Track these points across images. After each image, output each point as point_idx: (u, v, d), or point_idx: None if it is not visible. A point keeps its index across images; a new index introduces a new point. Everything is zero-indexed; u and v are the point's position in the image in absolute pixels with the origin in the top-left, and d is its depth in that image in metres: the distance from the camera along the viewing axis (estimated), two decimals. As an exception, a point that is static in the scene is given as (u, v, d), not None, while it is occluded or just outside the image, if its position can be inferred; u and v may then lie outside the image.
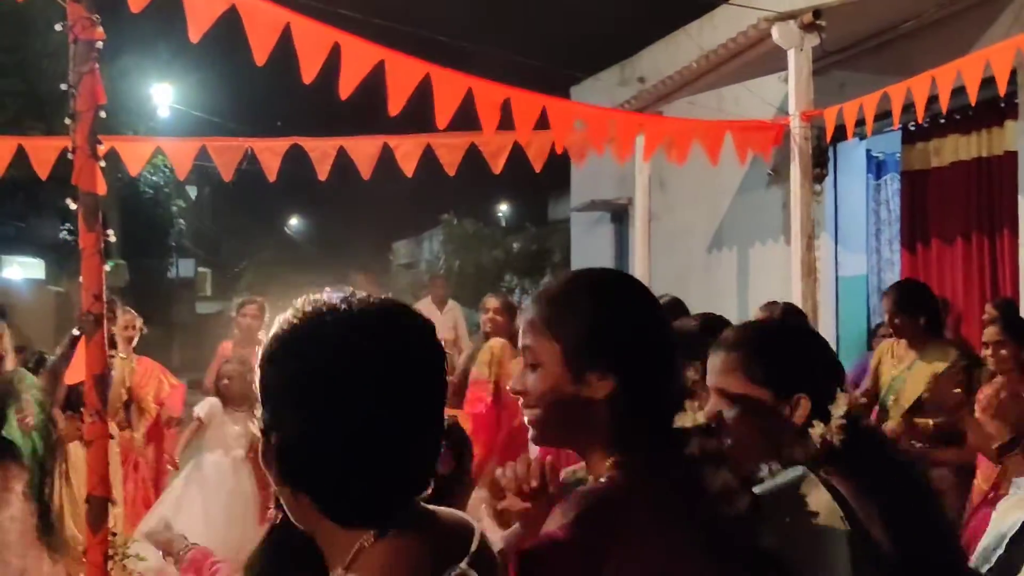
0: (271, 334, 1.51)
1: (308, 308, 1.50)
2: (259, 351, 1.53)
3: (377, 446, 1.43)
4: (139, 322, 8.50)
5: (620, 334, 1.89)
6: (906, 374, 6.45)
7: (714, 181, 12.16)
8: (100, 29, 4.79)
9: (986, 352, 5.93)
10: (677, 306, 6.74)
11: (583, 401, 1.87)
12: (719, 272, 13.33)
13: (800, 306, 8.47)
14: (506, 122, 6.79)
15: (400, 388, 1.45)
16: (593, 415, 1.88)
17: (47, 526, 6.71)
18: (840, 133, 8.70)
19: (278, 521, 1.64)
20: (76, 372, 5.18)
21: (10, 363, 6.91)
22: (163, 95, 21.87)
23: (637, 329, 1.91)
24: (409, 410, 1.46)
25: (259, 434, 1.49)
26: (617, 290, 2.00)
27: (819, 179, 9.98)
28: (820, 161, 9.83)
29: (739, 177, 11.89)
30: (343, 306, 1.49)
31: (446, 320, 12.99)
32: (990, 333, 5.91)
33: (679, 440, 1.90)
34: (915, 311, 6.45)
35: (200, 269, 40.11)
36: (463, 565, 1.44)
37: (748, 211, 12.56)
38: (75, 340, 7.30)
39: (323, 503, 1.46)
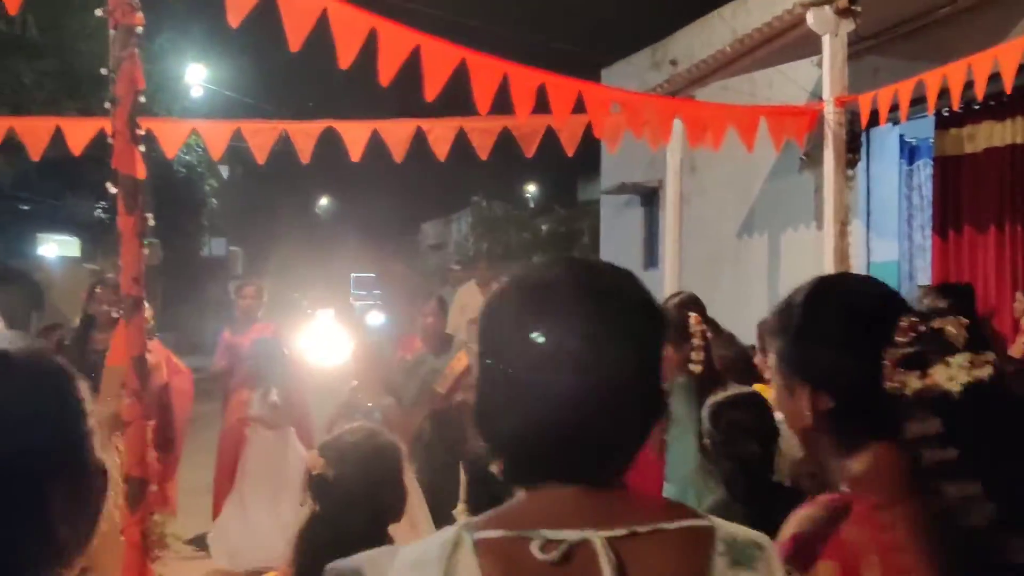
0: None
1: None
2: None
3: None
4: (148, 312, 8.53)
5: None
6: None
7: (745, 165, 12.13)
8: (140, 15, 4.85)
9: (1021, 339, 5.93)
10: (693, 302, 6.80)
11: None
12: (749, 257, 13.31)
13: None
14: (538, 105, 6.80)
15: None
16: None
17: None
18: (874, 118, 8.66)
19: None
20: (116, 354, 5.27)
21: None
22: (197, 75, 21.99)
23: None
24: None
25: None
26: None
27: (852, 164, 9.94)
28: (853, 146, 9.78)
29: (771, 161, 11.86)
30: None
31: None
32: None
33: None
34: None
35: (232, 248, 40.32)
36: None
37: (779, 196, 12.52)
38: (87, 321, 7.35)
39: None
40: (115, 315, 6.99)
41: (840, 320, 1.92)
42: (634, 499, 1.42)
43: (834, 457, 1.88)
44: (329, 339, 9.09)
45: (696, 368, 5.57)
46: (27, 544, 1.20)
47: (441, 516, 7.90)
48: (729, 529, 1.41)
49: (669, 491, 5.32)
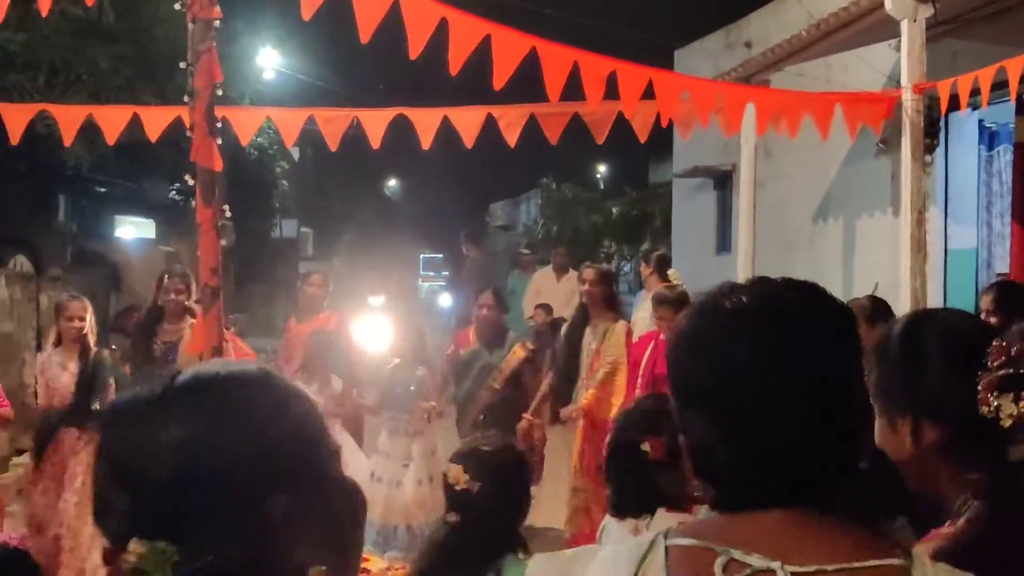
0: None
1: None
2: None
3: None
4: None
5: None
6: None
7: (821, 150, 11.95)
8: (217, 8, 4.90)
9: None
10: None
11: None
12: (824, 243, 13.15)
13: (908, 281, 8.35)
14: (609, 90, 6.78)
15: None
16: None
17: None
18: (953, 103, 8.49)
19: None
20: (195, 343, 5.35)
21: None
22: (269, 59, 22.19)
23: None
24: None
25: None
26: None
27: (929, 150, 9.75)
28: (931, 132, 9.59)
29: (846, 146, 11.67)
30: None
31: (563, 289, 12.98)
32: None
33: None
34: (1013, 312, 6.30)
35: (302, 229, 40.65)
36: None
37: (855, 181, 12.34)
38: (126, 311, 7.43)
39: None
40: (186, 304, 7.08)
41: (941, 349, 1.91)
42: (839, 530, 1.40)
43: (951, 486, 1.88)
44: (378, 327, 9.03)
45: None
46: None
47: None
48: (928, 571, 1.38)
49: None
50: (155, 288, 7.59)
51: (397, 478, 7.30)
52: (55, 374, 6.66)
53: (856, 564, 1.35)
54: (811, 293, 1.49)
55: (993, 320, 6.29)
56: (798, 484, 1.40)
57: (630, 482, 3.32)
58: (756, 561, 1.35)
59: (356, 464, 7.28)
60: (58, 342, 6.81)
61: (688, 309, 1.54)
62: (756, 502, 1.41)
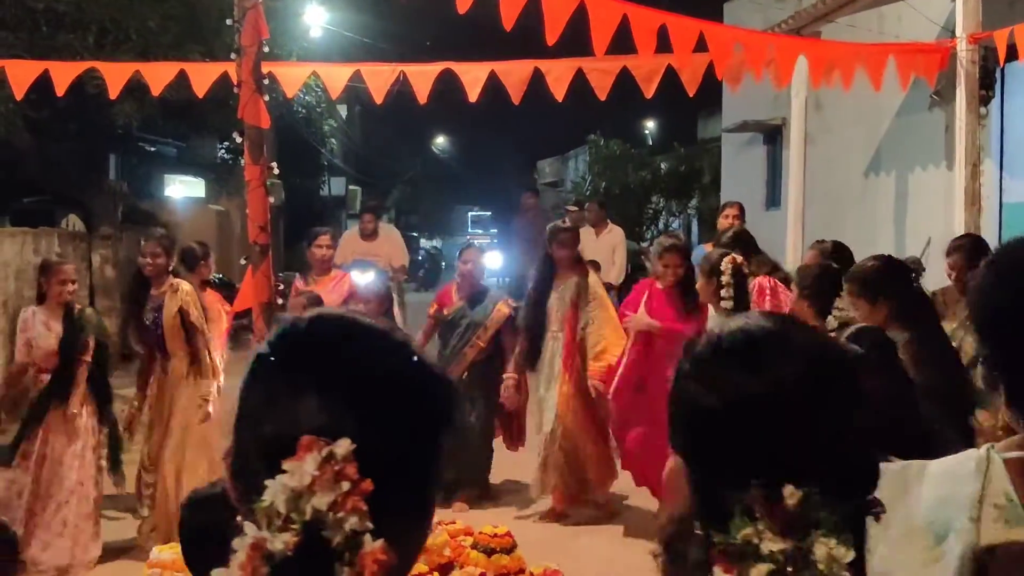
0: None
1: None
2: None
3: None
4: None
5: None
6: None
7: (873, 102, 11.76)
8: (263, -36, 4.90)
9: None
10: (740, 240, 6.82)
11: None
12: (876, 198, 12.97)
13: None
14: (658, 45, 6.71)
15: None
16: None
17: (115, 463, 6.90)
18: (1010, 53, 8.31)
19: None
20: (243, 300, 5.38)
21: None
22: (316, 16, 22.15)
23: None
24: None
25: None
26: None
27: (985, 102, 9.57)
28: (987, 83, 9.41)
29: (899, 99, 11.48)
30: None
31: (603, 245, 12.90)
32: None
33: None
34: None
35: (351, 187, 40.77)
36: None
37: (908, 134, 12.14)
38: (138, 280, 7.35)
39: None
40: (166, 266, 7.01)
41: None
42: None
43: None
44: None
45: (727, 304, 5.74)
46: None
47: (474, 468, 8.02)
48: None
49: None
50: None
51: None
52: (39, 332, 6.58)
53: None
54: None
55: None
56: None
57: None
58: None
59: None
60: (40, 300, 6.71)
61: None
62: None
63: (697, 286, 6.48)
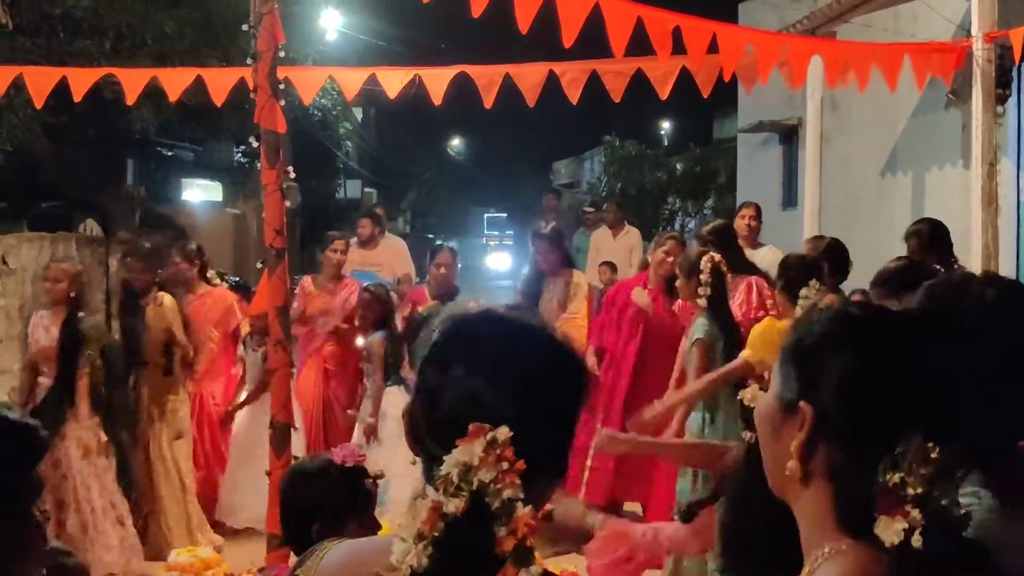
0: None
1: None
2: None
3: None
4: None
5: None
6: None
7: (889, 102, 11.72)
8: (279, -30, 4.92)
9: None
10: (721, 233, 6.86)
11: None
12: (893, 198, 12.93)
13: (980, 235, 8.20)
14: (674, 46, 6.72)
15: None
16: None
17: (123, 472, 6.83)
18: (1027, 51, 8.29)
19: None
20: (259, 303, 5.41)
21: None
22: (331, 20, 22.22)
23: None
24: None
25: None
26: None
27: (1001, 100, 9.52)
28: (1003, 82, 9.37)
29: (915, 98, 11.44)
30: None
31: (620, 246, 12.90)
32: None
33: None
34: None
35: (366, 189, 40.85)
36: None
37: (924, 134, 12.10)
38: (128, 292, 7.33)
39: None
40: (153, 280, 7.03)
41: None
42: None
43: None
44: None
45: (702, 301, 5.79)
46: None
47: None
48: None
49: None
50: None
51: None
52: (39, 336, 6.61)
53: None
54: None
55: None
56: None
57: None
58: None
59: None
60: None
61: None
62: None
63: (677, 283, 6.46)
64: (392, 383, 7.31)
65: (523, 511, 1.32)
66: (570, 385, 1.53)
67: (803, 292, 5.22)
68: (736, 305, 6.39)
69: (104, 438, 6.58)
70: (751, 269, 6.98)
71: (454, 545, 1.32)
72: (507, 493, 1.32)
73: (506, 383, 1.44)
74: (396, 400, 7.01)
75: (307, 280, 8.89)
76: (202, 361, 7.74)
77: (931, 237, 6.49)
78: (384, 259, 10.48)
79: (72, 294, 6.62)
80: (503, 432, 1.34)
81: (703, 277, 5.94)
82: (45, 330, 6.60)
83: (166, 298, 6.98)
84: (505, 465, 1.33)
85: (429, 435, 1.45)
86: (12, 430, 1.67)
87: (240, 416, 7.93)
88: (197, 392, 7.81)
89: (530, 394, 1.44)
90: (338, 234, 9.16)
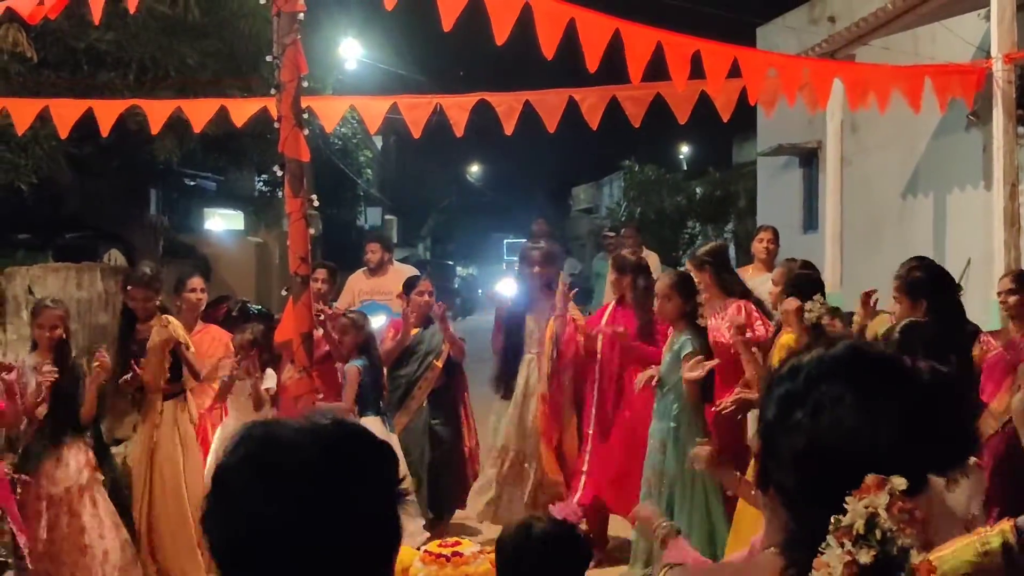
0: None
1: None
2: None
3: None
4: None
5: None
6: None
7: (909, 124, 11.72)
8: (301, 1, 4.97)
9: None
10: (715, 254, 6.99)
11: None
12: (914, 220, 12.90)
13: (1003, 256, 8.17)
14: (692, 71, 6.73)
15: None
16: None
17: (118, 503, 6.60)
18: (1048, 72, 8.30)
19: None
20: (284, 331, 5.44)
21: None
22: (351, 50, 22.36)
23: None
24: None
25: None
26: None
27: (1022, 121, 9.52)
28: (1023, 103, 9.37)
29: (936, 120, 11.44)
30: None
31: None
32: None
33: None
34: None
35: (387, 217, 40.97)
36: None
37: (945, 155, 12.09)
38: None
39: None
40: (154, 306, 6.98)
41: None
42: None
43: None
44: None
45: (702, 322, 6.27)
46: None
47: (440, 487, 7.99)
48: None
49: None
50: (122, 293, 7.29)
51: None
52: (27, 379, 6.36)
53: None
54: None
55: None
56: None
57: None
58: None
59: None
60: (35, 346, 6.56)
61: None
62: None
63: (658, 307, 6.53)
64: (371, 413, 7.14)
65: (918, 557, 1.39)
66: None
67: (808, 306, 5.42)
68: (726, 328, 6.46)
69: (93, 474, 6.41)
70: (744, 293, 7.06)
71: None
72: (904, 542, 1.39)
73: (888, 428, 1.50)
74: (375, 430, 6.93)
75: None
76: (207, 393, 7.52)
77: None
78: (395, 287, 9.17)
79: (62, 335, 6.50)
80: (900, 483, 1.41)
81: (701, 299, 6.32)
82: (33, 372, 6.36)
83: (172, 319, 6.89)
84: (906, 515, 1.40)
85: (796, 476, 1.52)
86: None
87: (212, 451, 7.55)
88: (201, 425, 7.60)
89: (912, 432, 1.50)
90: (321, 263, 8.66)
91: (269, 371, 6.99)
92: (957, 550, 1.64)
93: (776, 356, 5.65)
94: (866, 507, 1.39)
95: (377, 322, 8.47)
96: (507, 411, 7.70)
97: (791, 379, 1.58)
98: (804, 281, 5.77)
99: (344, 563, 1.44)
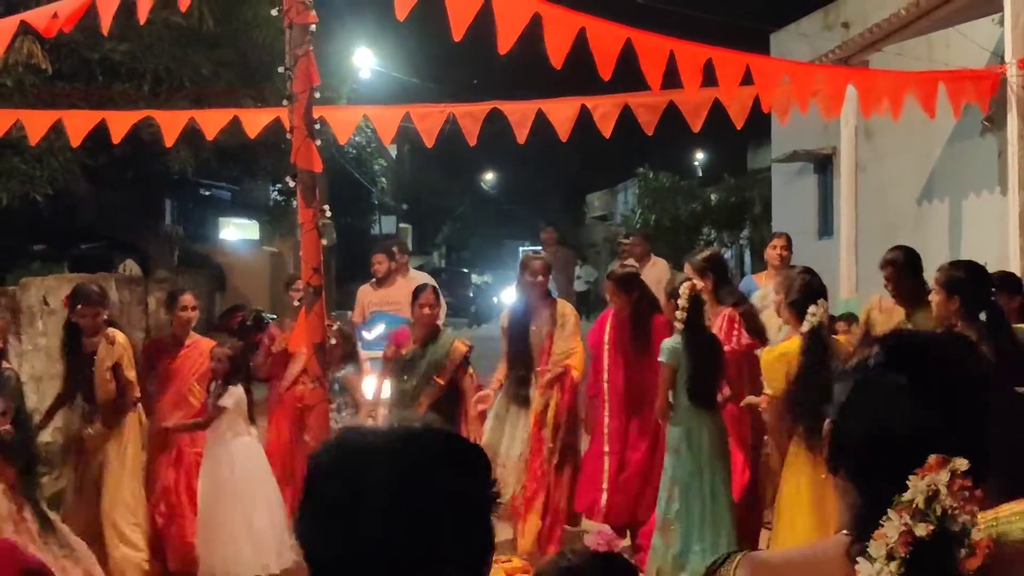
0: None
1: None
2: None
3: None
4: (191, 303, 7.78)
5: None
6: None
7: (924, 129, 11.69)
8: (313, 12, 4.98)
9: None
10: (710, 262, 7.10)
11: None
12: (929, 226, 12.85)
13: (1018, 261, 8.13)
14: (705, 78, 6.72)
15: None
16: None
17: (43, 522, 6.22)
18: (1062, 77, 8.25)
19: None
20: (297, 341, 5.44)
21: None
22: (365, 59, 22.43)
23: None
24: None
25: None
26: None
27: (1038, 126, 9.48)
28: (1040, 107, 9.33)
29: (950, 125, 11.40)
30: None
31: (648, 277, 12.85)
32: None
33: None
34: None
35: (401, 225, 41.04)
36: None
37: (961, 160, 12.05)
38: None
39: None
40: (99, 322, 6.93)
41: None
42: None
43: None
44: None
45: (677, 325, 6.38)
46: None
47: None
48: None
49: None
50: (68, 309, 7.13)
51: None
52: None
53: None
54: None
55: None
56: None
57: None
58: None
59: None
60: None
61: None
62: None
63: (665, 308, 6.87)
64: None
65: (980, 534, 1.45)
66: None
67: (811, 309, 5.62)
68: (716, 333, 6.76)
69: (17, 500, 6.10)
70: (737, 301, 7.12)
71: (921, 565, 1.45)
72: (964, 519, 1.45)
73: (962, 414, 1.56)
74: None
75: (274, 327, 8.84)
76: (181, 417, 7.35)
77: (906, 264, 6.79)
78: (404, 296, 8.89)
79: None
80: (962, 463, 1.46)
81: (680, 302, 6.36)
82: None
83: (118, 335, 6.79)
84: (967, 493, 1.45)
85: (866, 457, 1.59)
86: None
87: (202, 475, 7.34)
88: (176, 444, 7.44)
89: (977, 419, 1.57)
90: (181, 289, 8.44)
91: (234, 388, 7.05)
92: (1016, 512, 1.65)
93: (777, 364, 5.70)
94: (928, 485, 1.46)
95: (376, 331, 8.57)
96: (509, 418, 7.76)
97: (860, 369, 1.66)
98: (805, 287, 5.80)
99: (439, 571, 1.44)
